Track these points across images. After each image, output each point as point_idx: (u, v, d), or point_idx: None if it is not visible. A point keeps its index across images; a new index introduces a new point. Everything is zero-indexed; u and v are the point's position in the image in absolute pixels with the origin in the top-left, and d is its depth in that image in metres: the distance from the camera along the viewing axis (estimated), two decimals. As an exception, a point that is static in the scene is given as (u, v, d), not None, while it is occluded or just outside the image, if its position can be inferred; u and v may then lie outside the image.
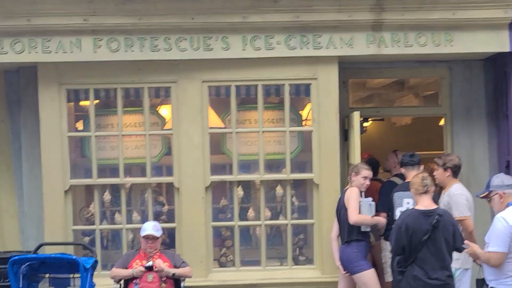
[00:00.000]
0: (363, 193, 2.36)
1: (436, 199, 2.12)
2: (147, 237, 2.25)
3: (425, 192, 1.88)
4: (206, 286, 2.48)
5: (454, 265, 2.15)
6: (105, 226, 2.62)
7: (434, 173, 2.36)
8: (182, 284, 2.33)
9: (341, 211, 2.34)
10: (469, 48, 2.47)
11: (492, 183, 1.73)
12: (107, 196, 2.59)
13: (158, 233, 2.29)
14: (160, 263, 2.23)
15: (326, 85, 2.51)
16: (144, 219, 2.51)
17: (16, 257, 2.41)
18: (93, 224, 2.57)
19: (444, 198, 2.33)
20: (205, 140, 2.52)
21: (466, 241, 1.89)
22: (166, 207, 2.65)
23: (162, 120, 2.65)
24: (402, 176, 2.57)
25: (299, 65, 2.53)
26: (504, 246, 1.54)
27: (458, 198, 2.24)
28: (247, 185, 2.70)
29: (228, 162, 2.67)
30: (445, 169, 2.30)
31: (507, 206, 1.61)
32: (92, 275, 2.30)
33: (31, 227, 2.60)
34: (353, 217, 2.26)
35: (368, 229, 2.35)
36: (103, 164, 2.61)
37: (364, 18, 2.47)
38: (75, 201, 2.58)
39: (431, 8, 2.46)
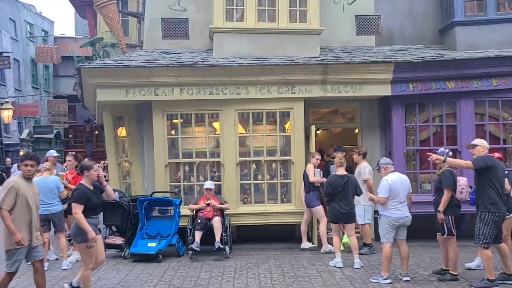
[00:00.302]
0: (316, 167, 4.75)
1: (348, 170, 4.45)
2: (207, 189, 4.66)
3: (341, 165, 4.24)
4: (237, 213, 4.88)
5: (363, 203, 4.51)
6: (185, 183, 5.04)
7: (354, 156, 4.74)
8: (225, 212, 4.74)
9: (305, 176, 4.73)
10: (370, 93, 4.87)
11: (380, 162, 3.69)
12: (186, 167, 5.03)
13: (212, 186, 4.69)
14: (214, 202, 4.64)
15: (298, 112, 4.91)
16: (205, 179, 4.93)
17: (141, 198, 4.88)
18: (179, 182, 5.01)
19: (357, 169, 4.69)
20: (236, 140, 4.94)
21: (368, 193, 3.99)
22: (216, 173, 5.05)
23: (215, 129, 5.09)
24: (335, 159, 5.00)
25: (284, 102, 4.94)
26: (385, 193, 3.26)
27: (365, 169, 4.60)
28: (257, 163, 5.08)
29: (248, 151, 5.06)
30: (359, 155, 4.67)
31: (388, 173, 3.45)
32: (179, 208, 4.74)
33: (148, 183, 5.06)
34: (312, 178, 4.64)
35: (318, 185, 4.73)
36: (184, 151, 5.04)
37: (317, 77, 4.86)
38: (171, 170, 5.01)
39: (351, 73, 4.84)
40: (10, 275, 2.64)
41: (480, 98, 4.77)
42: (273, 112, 5.00)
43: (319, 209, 4.69)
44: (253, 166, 5.00)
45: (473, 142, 3.33)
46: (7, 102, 13.43)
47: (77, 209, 2.73)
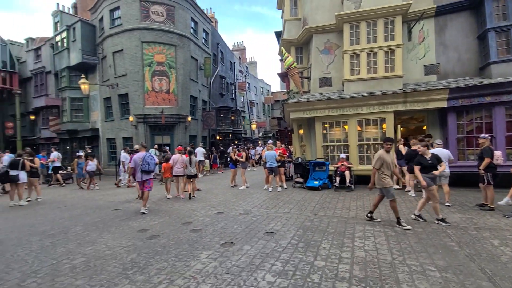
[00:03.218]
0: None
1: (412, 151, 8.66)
2: (342, 158, 9.92)
3: (414, 145, 8.60)
4: (357, 169, 9.86)
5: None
6: (330, 155, 10.50)
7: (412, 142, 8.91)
8: (351, 168, 9.88)
9: (398, 151, 9.24)
10: (434, 106, 8.77)
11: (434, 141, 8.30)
12: (331, 147, 10.49)
13: (344, 156, 9.80)
14: (345, 164, 9.89)
15: (389, 119, 9.38)
16: (341, 153, 10.19)
17: (310, 161, 10.62)
18: (327, 154, 10.54)
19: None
20: (356, 133, 9.98)
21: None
22: (346, 150, 10.24)
23: (345, 129, 10.32)
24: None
25: (381, 114, 9.47)
26: None
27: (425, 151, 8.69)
28: (368, 145, 9.95)
29: (362, 139, 10.00)
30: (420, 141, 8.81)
31: (435, 148, 8.21)
32: (328, 166, 10.20)
33: (313, 154, 10.89)
34: (403, 152, 9.12)
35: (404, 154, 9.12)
36: (330, 139, 10.48)
37: (401, 100, 9.15)
38: (324, 148, 10.58)
39: (421, 96, 8.87)
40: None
41: (509, 105, 7.83)
42: (375, 119, 9.69)
43: (404, 168, 8.99)
44: (365, 146, 9.87)
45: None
46: (254, 121, 32.96)
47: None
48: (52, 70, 20.89)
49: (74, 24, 18.62)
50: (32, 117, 23.00)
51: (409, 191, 8.26)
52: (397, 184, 9.15)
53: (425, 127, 9.54)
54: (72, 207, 8.03)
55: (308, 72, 11.85)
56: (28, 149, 9.60)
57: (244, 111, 32.29)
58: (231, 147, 12.20)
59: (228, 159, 12.92)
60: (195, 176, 8.99)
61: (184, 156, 9.07)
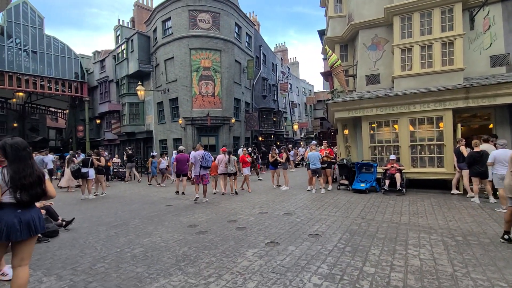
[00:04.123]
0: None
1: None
2: (391, 159, 9.26)
3: (476, 146, 7.74)
4: (408, 172, 9.17)
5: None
6: (378, 156, 9.90)
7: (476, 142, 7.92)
8: (402, 171, 9.22)
9: (458, 152, 8.37)
10: (503, 102, 7.71)
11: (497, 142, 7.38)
12: (379, 148, 9.88)
13: (394, 157, 9.23)
14: (396, 166, 9.26)
15: (448, 117, 8.51)
16: (390, 154, 9.58)
17: (356, 162, 10.10)
18: (375, 155, 9.97)
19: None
20: (408, 133, 9.26)
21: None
22: (396, 151, 9.57)
23: (395, 128, 9.67)
24: None
25: (438, 112, 8.64)
26: (491, 159, 7.21)
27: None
28: (421, 145, 9.16)
29: (415, 139, 9.23)
30: (484, 141, 7.82)
31: (498, 149, 7.32)
32: (376, 168, 9.64)
33: (359, 155, 10.40)
34: (465, 154, 8.26)
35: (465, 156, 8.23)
36: (378, 140, 9.90)
37: (461, 95, 8.25)
38: (371, 149, 10.03)
39: (487, 91, 7.88)
40: None
41: None
42: (431, 117, 8.88)
43: (467, 171, 8.08)
44: (418, 147, 9.11)
45: None
46: (296, 122, 32.04)
47: None
48: (114, 79, 23.34)
49: (132, 36, 20.57)
50: (98, 121, 25.96)
51: (473, 197, 7.42)
52: (457, 189, 8.30)
53: (491, 126, 8.45)
54: (130, 202, 8.88)
55: (354, 70, 11.37)
56: (101, 150, 10.97)
57: (286, 112, 32.17)
58: (275, 148, 12.31)
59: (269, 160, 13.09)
60: (235, 174, 9.83)
61: (227, 156, 9.61)
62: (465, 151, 7.78)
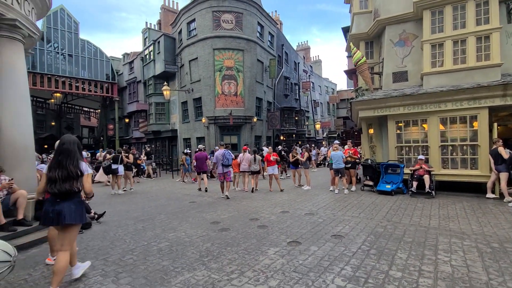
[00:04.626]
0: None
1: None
2: (420, 159, 8.77)
3: None
4: (438, 173, 8.70)
5: None
6: (406, 156, 9.49)
7: None
8: (431, 172, 8.78)
9: (495, 153, 7.84)
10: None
11: None
12: (406, 148, 9.49)
13: (423, 158, 8.81)
14: (424, 167, 8.83)
15: (483, 116, 7.96)
16: (418, 155, 9.14)
17: (382, 163, 9.82)
18: (402, 156, 9.58)
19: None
20: (438, 133, 8.80)
21: None
22: (425, 151, 9.11)
23: (423, 128, 9.22)
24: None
25: (472, 110, 8.11)
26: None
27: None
28: (453, 146, 8.66)
29: (446, 139, 8.71)
30: None
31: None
32: (403, 169, 9.27)
33: (385, 155, 10.04)
34: (505, 156, 7.72)
35: (506, 158, 7.68)
36: (406, 140, 9.49)
37: (499, 93, 7.68)
38: (397, 149, 9.64)
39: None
40: None
41: None
42: (464, 116, 8.36)
43: (505, 174, 7.52)
44: (450, 147, 8.63)
45: None
46: (318, 121, 32.16)
47: None
48: (142, 80, 24.31)
49: (158, 38, 21.30)
50: (127, 120, 27.17)
51: (510, 201, 6.92)
52: (492, 192, 7.78)
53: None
54: (156, 198, 9.24)
55: (380, 67, 10.99)
56: (132, 148, 11.54)
57: (308, 111, 31.77)
58: (297, 147, 12.27)
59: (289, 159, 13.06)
60: (258, 172, 10.13)
61: (249, 155, 9.96)
62: (504, 152, 7.27)
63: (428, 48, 8.98)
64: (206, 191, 10.19)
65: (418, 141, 9.21)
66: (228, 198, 8.69)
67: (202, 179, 10.57)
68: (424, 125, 9.09)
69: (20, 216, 5.03)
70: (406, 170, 9.15)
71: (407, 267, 3.52)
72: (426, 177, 8.32)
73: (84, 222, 3.13)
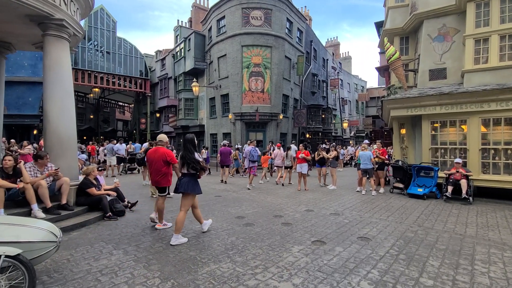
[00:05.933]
0: None
1: None
2: (457, 163, 8.22)
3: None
4: (477, 179, 8.07)
5: None
6: (441, 159, 8.97)
7: None
8: (469, 177, 8.20)
9: None
10: None
11: None
12: (442, 151, 8.96)
13: (460, 161, 8.24)
14: (461, 171, 8.26)
15: None
16: (455, 158, 8.58)
17: (413, 165, 9.27)
18: (437, 158, 9.06)
19: None
20: (479, 135, 8.15)
21: None
22: (463, 154, 8.54)
23: (462, 129, 8.62)
24: None
25: None
26: None
27: None
28: (495, 149, 8.01)
29: (487, 142, 8.09)
30: None
31: None
32: (437, 172, 8.76)
33: (417, 157, 9.55)
34: None
35: None
36: (441, 142, 8.95)
37: None
38: (431, 151, 9.13)
39: None
40: None
41: None
42: (509, 118, 7.68)
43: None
44: (492, 151, 7.99)
45: None
46: (345, 119, 31.78)
47: None
48: (172, 76, 25.19)
49: (189, 35, 21.88)
50: (158, 115, 28.36)
51: None
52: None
53: None
54: (184, 191, 9.58)
55: (415, 64, 10.41)
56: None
57: (336, 109, 30.97)
58: (323, 146, 12.20)
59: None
60: (291, 167, 10.98)
61: (283, 151, 11.21)
62: None
63: (471, 43, 8.35)
64: (225, 183, 11.19)
65: (455, 143, 8.65)
66: (249, 189, 9.66)
67: (225, 173, 11.58)
68: (463, 126, 8.50)
69: (64, 201, 5.48)
70: (441, 174, 8.64)
71: (439, 276, 3.36)
72: (463, 182, 7.80)
73: (198, 193, 4.64)
